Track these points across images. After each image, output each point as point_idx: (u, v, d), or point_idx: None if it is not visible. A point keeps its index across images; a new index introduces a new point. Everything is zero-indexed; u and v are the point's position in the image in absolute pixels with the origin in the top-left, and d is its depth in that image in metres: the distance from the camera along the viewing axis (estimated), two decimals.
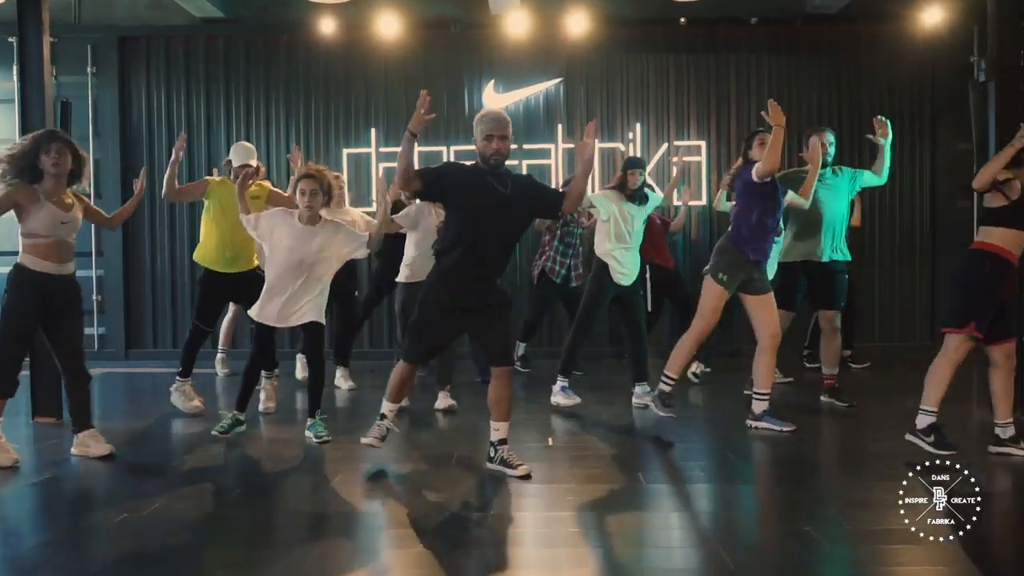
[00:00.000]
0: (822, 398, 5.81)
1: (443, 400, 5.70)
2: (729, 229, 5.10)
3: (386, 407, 4.31)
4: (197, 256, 5.73)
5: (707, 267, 5.06)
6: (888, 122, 5.52)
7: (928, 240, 8.53)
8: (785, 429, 4.90)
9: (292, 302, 4.74)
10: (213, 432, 4.87)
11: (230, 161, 5.68)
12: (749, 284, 4.96)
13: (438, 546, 3.19)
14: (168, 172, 5.45)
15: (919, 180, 8.51)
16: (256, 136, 8.50)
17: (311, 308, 4.75)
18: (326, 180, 4.84)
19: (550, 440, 4.89)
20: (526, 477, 3.99)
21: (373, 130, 8.47)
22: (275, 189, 5.84)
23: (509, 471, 4.04)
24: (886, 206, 8.49)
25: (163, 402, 5.84)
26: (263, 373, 5.55)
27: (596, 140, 4.18)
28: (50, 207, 4.42)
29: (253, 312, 4.82)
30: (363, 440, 4.30)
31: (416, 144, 4.10)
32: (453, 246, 4.08)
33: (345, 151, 8.47)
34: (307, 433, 4.85)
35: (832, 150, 5.63)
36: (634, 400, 5.71)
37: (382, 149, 8.47)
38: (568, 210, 4.41)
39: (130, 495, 3.90)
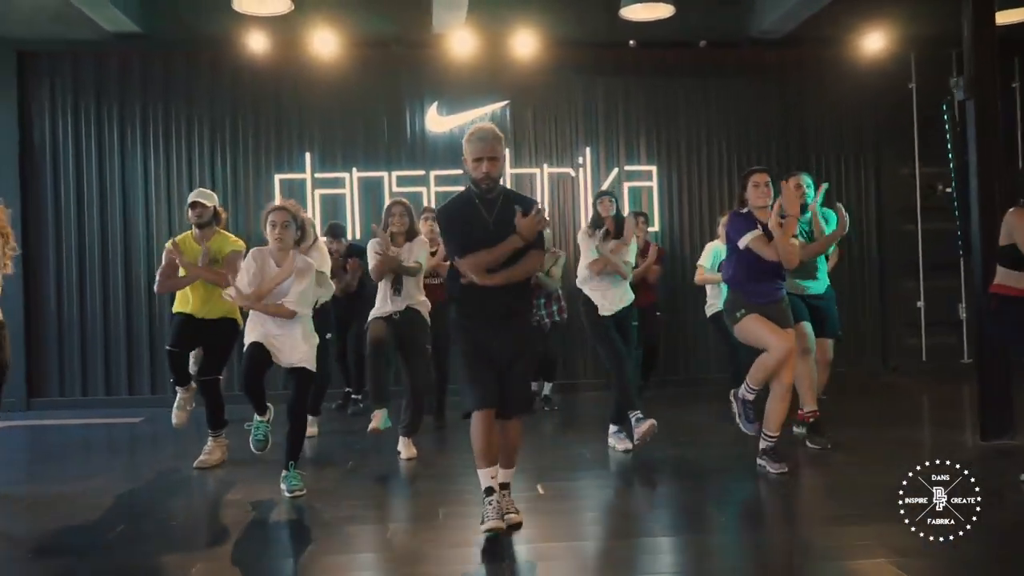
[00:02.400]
0: (795, 428, 5.53)
1: (406, 448, 5.19)
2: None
3: (484, 476, 3.57)
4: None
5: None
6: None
7: (876, 263, 8.54)
8: (774, 471, 4.58)
9: (279, 331, 4.35)
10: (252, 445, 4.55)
11: (192, 205, 5.17)
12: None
13: None
14: (162, 273, 5.10)
15: (864, 203, 8.52)
16: (177, 163, 7.82)
17: (301, 349, 4.35)
18: (300, 215, 4.50)
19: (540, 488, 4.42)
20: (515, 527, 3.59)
21: (308, 154, 7.90)
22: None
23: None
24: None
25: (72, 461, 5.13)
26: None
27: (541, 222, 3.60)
28: None
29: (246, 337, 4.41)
30: (483, 527, 3.47)
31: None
32: (464, 284, 3.62)
33: (277, 177, 7.86)
34: (281, 486, 4.33)
35: (810, 192, 5.37)
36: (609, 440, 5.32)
37: (317, 175, 7.90)
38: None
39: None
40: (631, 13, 7.00)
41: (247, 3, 6.62)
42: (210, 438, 5.15)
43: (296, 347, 4.33)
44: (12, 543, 3.72)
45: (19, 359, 7.58)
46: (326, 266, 5.51)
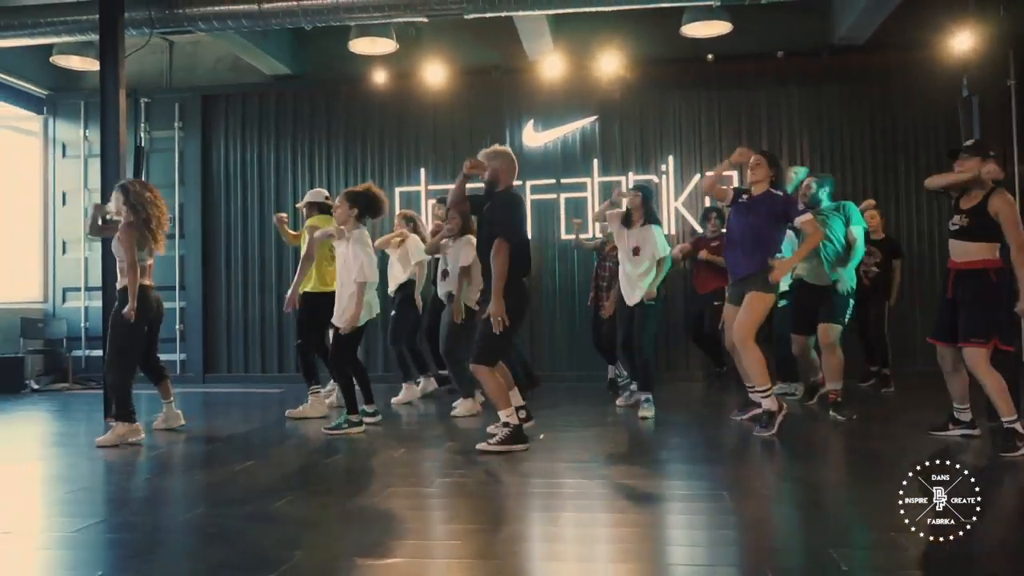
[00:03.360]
0: (830, 413, 5.92)
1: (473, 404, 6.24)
2: None
3: (504, 414, 4.72)
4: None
5: None
6: None
7: None
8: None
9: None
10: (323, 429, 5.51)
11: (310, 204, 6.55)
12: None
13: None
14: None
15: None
16: (318, 178, 9.35)
17: (340, 308, 5.53)
18: (358, 195, 5.65)
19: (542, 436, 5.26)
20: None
21: (423, 170, 9.17)
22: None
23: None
24: (924, 230, 8.50)
25: (217, 414, 6.59)
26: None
27: None
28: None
29: None
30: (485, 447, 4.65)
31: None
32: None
33: (397, 189, 9.19)
34: None
35: (822, 192, 5.89)
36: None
37: (431, 187, 9.15)
38: None
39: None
40: (691, 30, 7.65)
41: (361, 46, 8.01)
42: (309, 394, 6.40)
43: (339, 307, 5.51)
44: (153, 451, 5.15)
45: (197, 342, 9.47)
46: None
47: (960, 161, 4.70)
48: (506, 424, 4.71)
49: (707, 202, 8.65)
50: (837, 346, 5.78)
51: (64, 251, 9.87)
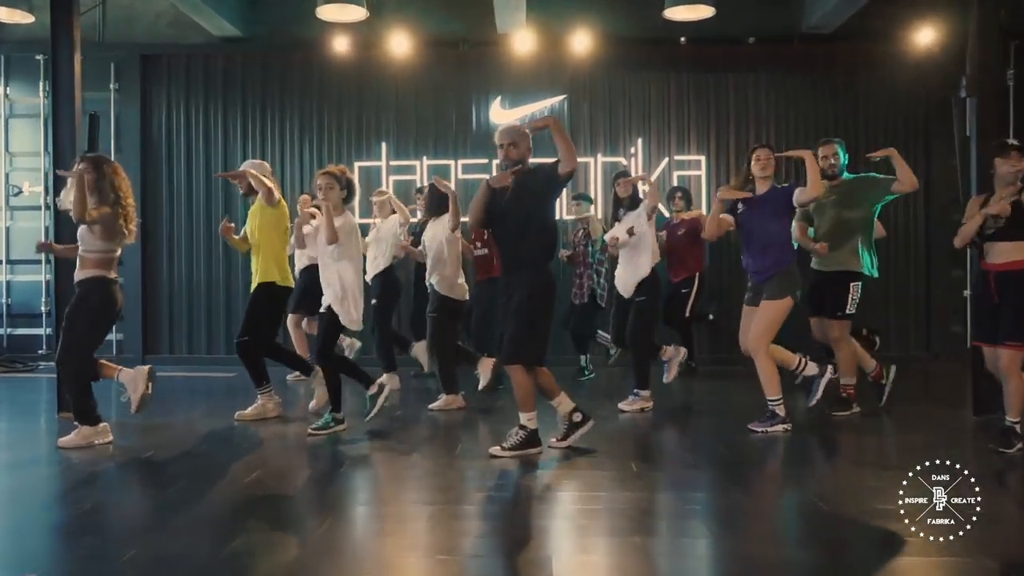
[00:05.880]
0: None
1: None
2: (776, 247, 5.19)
3: (524, 418, 4.55)
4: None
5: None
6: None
7: (923, 251, 8.76)
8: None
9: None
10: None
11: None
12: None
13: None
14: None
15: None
16: (271, 150, 8.84)
17: (328, 294, 5.20)
18: (344, 176, 5.25)
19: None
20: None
21: (384, 144, 8.79)
22: None
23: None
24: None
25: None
26: None
27: None
28: None
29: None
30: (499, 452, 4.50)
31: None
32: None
33: (357, 164, 8.76)
34: None
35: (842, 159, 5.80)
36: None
37: (392, 162, 8.78)
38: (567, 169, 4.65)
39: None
40: (674, 14, 7.53)
41: (329, 12, 7.52)
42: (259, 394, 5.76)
43: (328, 293, 5.19)
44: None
45: (136, 320, 8.85)
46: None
47: (1011, 158, 4.54)
48: (523, 427, 4.56)
49: (675, 181, 8.63)
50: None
51: None
